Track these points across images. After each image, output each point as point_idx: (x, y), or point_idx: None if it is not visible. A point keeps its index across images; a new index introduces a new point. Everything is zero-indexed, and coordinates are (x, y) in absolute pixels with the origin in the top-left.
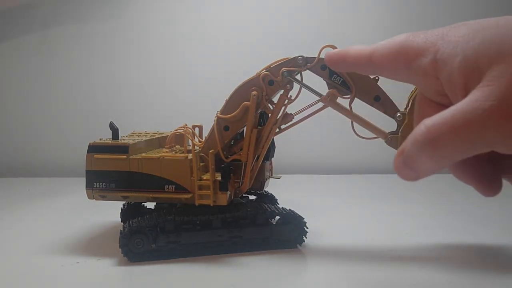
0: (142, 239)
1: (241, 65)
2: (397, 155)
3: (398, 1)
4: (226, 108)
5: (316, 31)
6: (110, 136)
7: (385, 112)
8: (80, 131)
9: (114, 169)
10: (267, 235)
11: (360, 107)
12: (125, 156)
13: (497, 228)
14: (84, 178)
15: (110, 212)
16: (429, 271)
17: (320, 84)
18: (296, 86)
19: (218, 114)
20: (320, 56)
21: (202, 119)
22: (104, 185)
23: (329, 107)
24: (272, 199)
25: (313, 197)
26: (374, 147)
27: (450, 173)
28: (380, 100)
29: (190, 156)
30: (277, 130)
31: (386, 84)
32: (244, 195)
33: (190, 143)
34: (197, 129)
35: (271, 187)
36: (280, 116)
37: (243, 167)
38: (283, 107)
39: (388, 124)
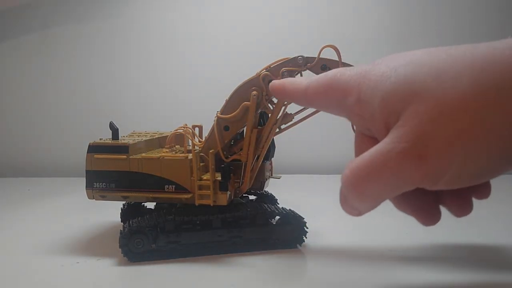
0: (142, 239)
1: (241, 65)
2: (339, 194)
3: (398, 0)
4: (226, 108)
5: (316, 31)
6: (110, 136)
7: None
8: (80, 131)
9: (114, 169)
10: (267, 235)
11: None
12: (125, 156)
13: (497, 228)
14: (84, 178)
15: (110, 212)
16: (429, 271)
17: None
18: None
19: (218, 114)
20: (320, 56)
21: (202, 119)
22: (104, 185)
23: None
24: (272, 199)
25: (313, 197)
26: None
27: None
28: None
29: (190, 156)
30: (277, 130)
31: None
32: (244, 195)
33: (190, 143)
34: (197, 129)
35: (271, 187)
36: (280, 116)
37: (243, 167)
38: (283, 107)
39: None
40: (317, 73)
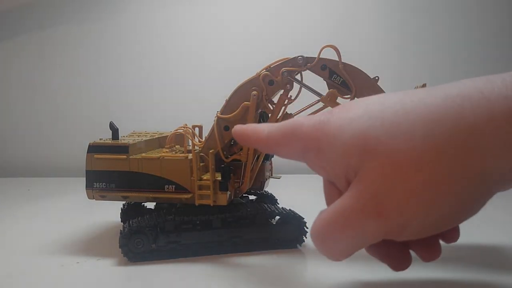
0: (142, 239)
1: (241, 65)
2: None
3: (398, 1)
4: (226, 108)
5: (316, 31)
6: (110, 136)
7: None
8: (80, 131)
9: (114, 169)
10: (267, 235)
11: None
12: (125, 156)
13: (497, 228)
14: (84, 178)
15: (110, 212)
16: (429, 271)
17: (320, 84)
18: (296, 86)
19: (218, 114)
20: (320, 56)
21: (202, 119)
22: (104, 185)
23: (329, 107)
24: (272, 199)
25: (313, 197)
26: None
27: None
28: None
29: (190, 156)
30: None
31: (386, 84)
32: (244, 195)
33: (190, 143)
34: (197, 129)
35: (271, 187)
36: (280, 116)
37: (243, 167)
38: (283, 107)
39: None
40: (317, 73)
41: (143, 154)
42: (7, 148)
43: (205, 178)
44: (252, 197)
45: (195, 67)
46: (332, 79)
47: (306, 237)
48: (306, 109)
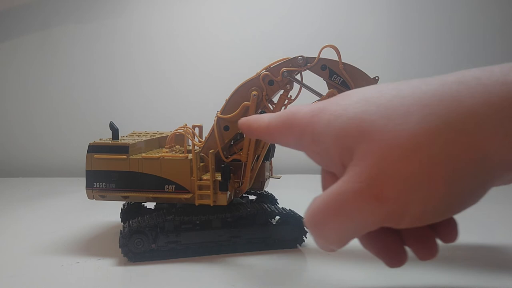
0: (142, 239)
1: (241, 65)
2: None
3: (397, 1)
4: (226, 108)
5: (316, 31)
6: (110, 136)
7: None
8: (80, 131)
9: (114, 169)
10: (267, 235)
11: None
12: (125, 156)
13: (497, 228)
14: (84, 178)
15: (110, 212)
16: (429, 271)
17: (320, 84)
18: (296, 86)
19: (218, 114)
20: (320, 56)
21: (202, 119)
22: (104, 185)
23: None
24: (272, 199)
25: (312, 197)
26: None
27: None
28: None
29: (190, 156)
30: None
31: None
32: (244, 195)
33: (190, 143)
34: (197, 129)
35: (271, 187)
36: None
37: (243, 167)
38: (283, 107)
39: None
40: (317, 73)
41: (143, 154)
42: (7, 148)
43: (205, 178)
44: (252, 197)
45: (195, 67)
46: (332, 79)
47: (306, 237)
48: None
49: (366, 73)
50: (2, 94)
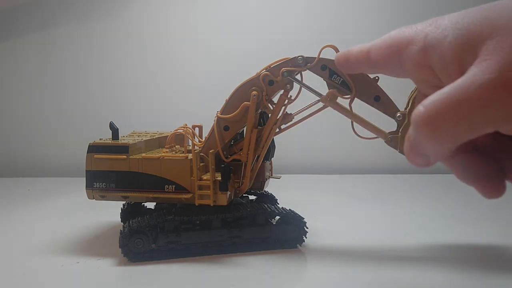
0: (142, 239)
1: (241, 65)
2: (405, 141)
3: (397, 1)
4: (226, 108)
5: (316, 31)
6: (110, 136)
7: (385, 112)
8: (80, 131)
9: (114, 169)
10: (267, 235)
11: (360, 107)
12: (125, 156)
13: (497, 228)
14: (84, 178)
15: (110, 212)
16: (429, 271)
17: (320, 84)
18: (296, 86)
19: (218, 114)
20: (320, 56)
21: (202, 119)
22: (104, 185)
23: (329, 107)
24: (272, 199)
25: (313, 197)
26: (374, 147)
27: (449, 173)
28: (380, 100)
29: (190, 156)
30: (277, 130)
31: (386, 84)
32: (244, 195)
33: (190, 143)
34: (197, 129)
35: (271, 187)
36: (280, 116)
37: (243, 167)
38: (283, 107)
39: (388, 124)
40: (317, 73)
41: (143, 154)
42: (7, 148)
43: (205, 178)
44: (252, 197)
45: (196, 68)
46: (332, 79)
47: (306, 237)
48: (306, 109)
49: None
50: (2, 94)
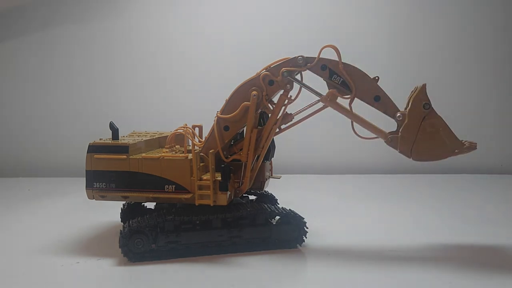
0: (142, 239)
1: (241, 65)
2: None
3: (398, 2)
4: (226, 108)
5: (316, 31)
6: (110, 136)
7: (385, 112)
8: (80, 131)
9: (114, 169)
10: (267, 235)
11: (360, 107)
12: (125, 156)
13: (497, 228)
14: (84, 178)
15: (110, 212)
16: (429, 271)
17: (320, 84)
18: (296, 86)
19: (218, 114)
20: (320, 56)
21: (202, 119)
22: (104, 185)
23: (329, 107)
24: (272, 199)
25: (312, 197)
26: (374, 147)
27: (450, 173)
28: (380, 100)
29: (190, 156)
30: (277, 130)
31: (386, 84)
32: (244, 195)
33: (190, 143)
34: (197, 129)
35: (271, 187)
36: (280, 116)
37: (243, 167)
38: (283, 107)
39: (388, 124)
40: (317, 73)
41: (143, 154)
42: (7, 148)
43: (205, 178)
44: (252, 197)
45: (196, 68)
46: (332, 79)
47: (306, 237)
48: (306, 109)
49: (366, 73)
50: (2, 94)
